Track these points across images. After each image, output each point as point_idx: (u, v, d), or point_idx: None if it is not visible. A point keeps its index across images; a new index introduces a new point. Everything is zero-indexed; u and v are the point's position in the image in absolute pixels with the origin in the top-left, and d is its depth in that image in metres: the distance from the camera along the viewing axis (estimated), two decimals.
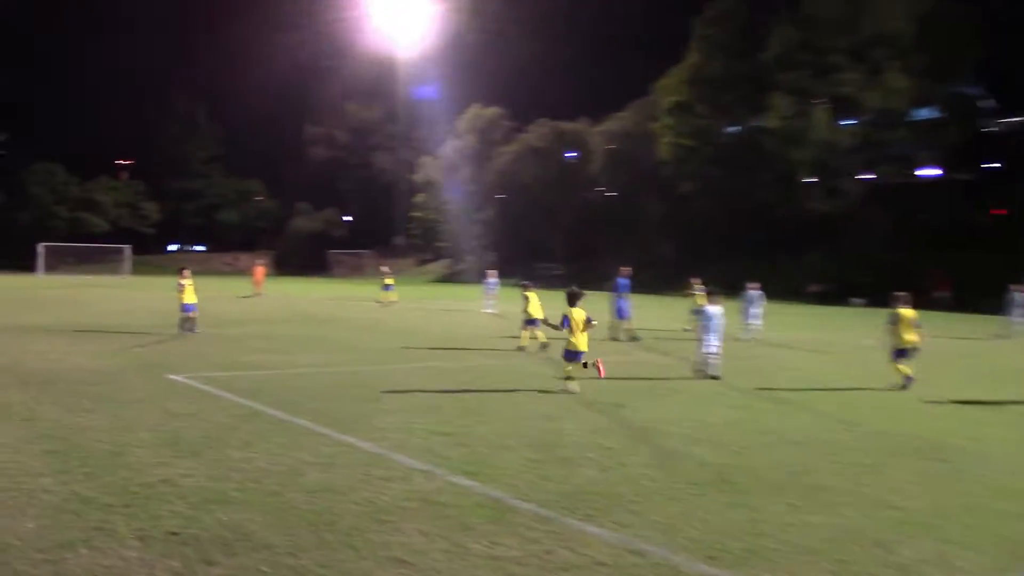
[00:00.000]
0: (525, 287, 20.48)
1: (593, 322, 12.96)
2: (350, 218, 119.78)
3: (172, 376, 13.26)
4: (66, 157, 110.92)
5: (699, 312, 14.99)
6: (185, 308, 20.89)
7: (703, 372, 14.83)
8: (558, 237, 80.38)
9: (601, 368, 13.09)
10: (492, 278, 35.33)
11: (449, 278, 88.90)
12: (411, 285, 71.12)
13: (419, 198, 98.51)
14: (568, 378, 12.83)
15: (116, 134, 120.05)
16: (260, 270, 45.77)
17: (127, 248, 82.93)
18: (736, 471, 8.25)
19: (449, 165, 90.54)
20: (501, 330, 24.56)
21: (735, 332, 22.81)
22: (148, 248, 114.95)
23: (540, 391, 12.83)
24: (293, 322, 25.98)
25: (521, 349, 18.98)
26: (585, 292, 13.66)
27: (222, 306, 33.92)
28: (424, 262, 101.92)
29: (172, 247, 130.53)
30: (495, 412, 10.97)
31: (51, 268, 78.63)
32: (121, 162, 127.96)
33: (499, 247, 80.00)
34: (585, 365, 12.88)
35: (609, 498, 7.21)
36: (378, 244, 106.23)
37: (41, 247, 77.98)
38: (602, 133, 76.03)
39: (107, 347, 17.24)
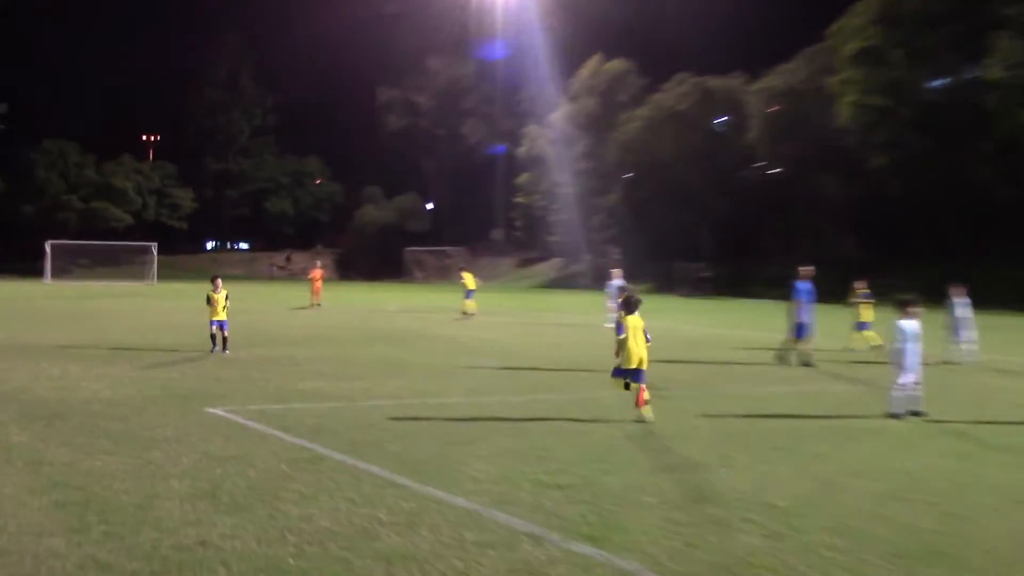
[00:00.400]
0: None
1: (648, 338, 13.70)
2: (433, 206, 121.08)
3: (212, 409, 13.57)
4: (80, 133, 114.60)
5: (894, 329, 14.59)
6: (212, 324, 21.98)
7: (900, 407, 14.45)
8: (703, 229, 79.79)
9: (642, 399, 13.39)
10: (616, 281, 35.19)
11: (560, 283, 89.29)
12: (511, 292, 71.63)
13: (522, 179, 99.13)
14: (644, 402, 13.37)
15: (141, 103, 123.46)
16: (318, 274, 46.61)
17: (153, 247, 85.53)
18: (950, 541, 7.98)
19: (561, 136, 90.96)
20: None
21: (943, 353, 22.18)
22: (179, 246, 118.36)
23: (683, 430, 12.73)
24: (362, 341, 26.31)
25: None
26: (641, 300, 14.41)
27: (273, 320, 34.68)
28: (528, 262, 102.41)
29: (209, 245, 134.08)
30: (624, 457, 10.91)
31: (61, 272, 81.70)
32: (147, 138, 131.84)
33: (626, 242, 79.80)
34: (627, 386, 13.64)
35: (778, 574, 7.05)
36: (470, 240, 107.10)
37: (48, 246, 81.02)
38: (762, 92, 75.10)
39: (131, 372, 17.77)
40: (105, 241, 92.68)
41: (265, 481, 9.33)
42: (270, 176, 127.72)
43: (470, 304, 39.53)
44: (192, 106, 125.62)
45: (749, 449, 11.59)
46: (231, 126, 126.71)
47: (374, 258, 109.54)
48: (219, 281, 22.60)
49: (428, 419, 13.19)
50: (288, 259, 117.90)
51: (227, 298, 22.30)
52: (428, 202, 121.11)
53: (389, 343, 25.56)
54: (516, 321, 37.22)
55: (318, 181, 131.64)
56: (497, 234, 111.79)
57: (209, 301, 22.26)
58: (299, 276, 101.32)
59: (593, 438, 12.03)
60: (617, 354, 13.81)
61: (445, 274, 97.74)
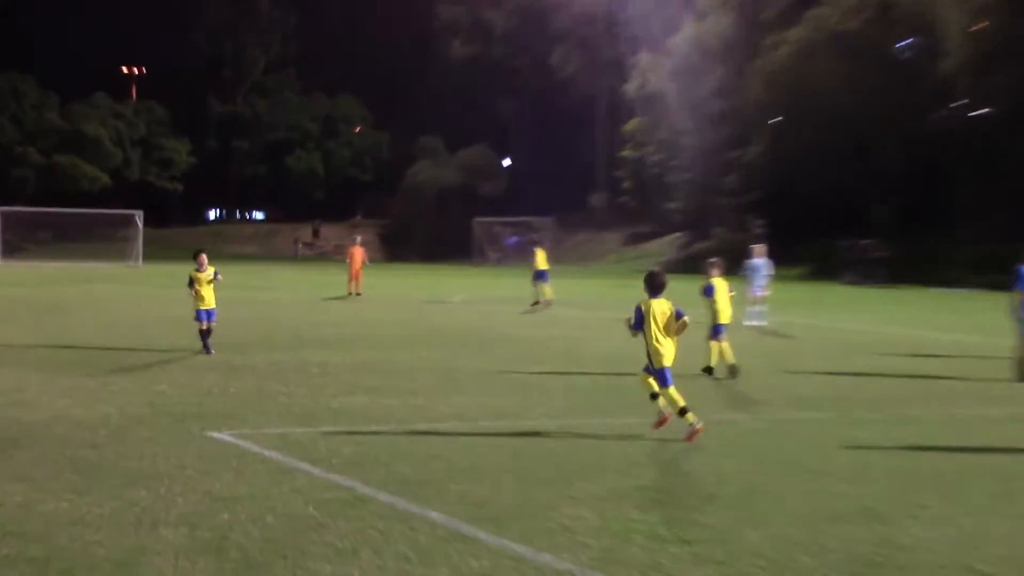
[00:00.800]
0: None
1: (685, 317, 14.15)
2: (511, 163, 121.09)
3: (216, 434, 13.66)
4: (39, 64, 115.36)
5: None
6: (200, 315, 22.75)
7: None
8: (877, 193, 78.87)
9: (694, 431, 13.70)
10: (758, 261, 34.78)
11: (682, 265, 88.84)
12: (616, 278, 71.44)
13: (632, 127, 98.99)
14: (682, 410, 13.79)
15: (122, 26, 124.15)
16: (358, 254, 46.77)
17: (138, 216, 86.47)
18: None
19: (685, 68, 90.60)
20: (778, 356, 24.21)
21: None
22: (172, 216, 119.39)
23: (853, 467, 12.59)
24: (416, 343, 26.42)
25: None
26: (668, 277, 14.83)
27: (297, 314, 34.93)
28: (638, 238, 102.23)
29: (212, 214, 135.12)
30: (770, 502, 10.81)
31: (13, 250, 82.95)
32: (129, 71, 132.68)
33: (771, 211, 79.27)
34: (654, 397, 14.16)
35: None
36: (560, 207, 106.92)
37: None
38: (964, 4, 73.95)
39: (109, 384, 17.98)
40: (73, 208, 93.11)
41: (288, 531, 9.34)
42: (293, 122, 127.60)
43: (546, 290, 39.85)
44: (191, 32, 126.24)
45: (947, 494, 11.42)
46: (241, 55, 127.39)
47: (432, 232, 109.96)
48: (204, 257, 23.16)
49: (504, 448, 13.20)
50: (316, 233, 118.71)
51: (216, 277, 22.81)
52: (504, 157, 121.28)
53: (452, 346, 25.58)
54: (621, 317, 37.06)
55: (357, 129, 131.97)
56: (597, 200, 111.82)
57: (192, 284, 22.76)
58: (332, 256, 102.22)
59: (728, 476, 11.96)
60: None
61: (527, 253, 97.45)
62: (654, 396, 14.12)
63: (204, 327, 22.56)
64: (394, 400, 16.83)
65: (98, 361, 20.82)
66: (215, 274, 22.96)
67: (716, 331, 20.81)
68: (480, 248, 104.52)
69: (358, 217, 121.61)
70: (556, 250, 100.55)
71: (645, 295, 14.37)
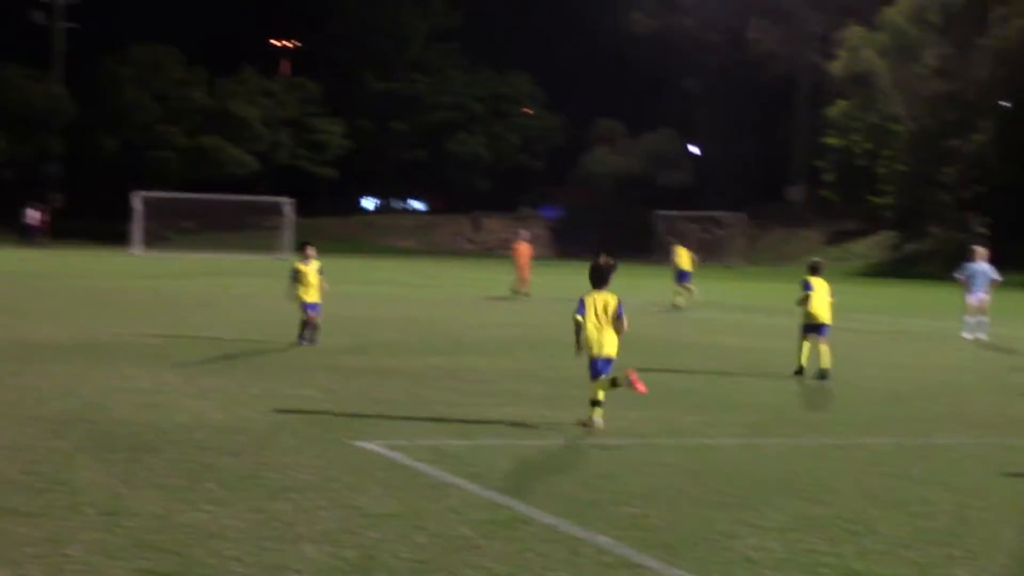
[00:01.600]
0: None
1: (624, 318, 15.74)
2: (699, 151, 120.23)
3: (364, 443, 13.85)
4: (184, 36, 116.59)
5: None
6: (305, 307, 24.93)
7: None
8: None
9: (637, 382, 15.42)
10: (980, 266, 34.19)
11: (893, 268, 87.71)
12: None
13: (837, 111, 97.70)
14: (594, 402, 15.54)
15: None
16: (525, 250, 46.85)
17: (288, 204, 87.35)
18: None
19: (899, 44, 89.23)
20: (1000, 374, 23.85)
21: None
22: (324, 204, 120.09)
23: None
24: None
25: None
26: (616, 263, 16.30)
27: (456, 315, 35.18)
28: (842, 237, 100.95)
29: (367, 202, 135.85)
30: (987, 539, 10.59)
31: (155, 239, 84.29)
32: (280, 44, 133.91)
33: (995, 207, 77.80)
34: (615, 383, 15.45)
35: None
36: (752, 201, 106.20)
37: (139, 200, 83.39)
38: None
39: (249, 386, 18.34)
40: (219, 195, 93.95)
41: (439, 551, 9.43)
42: (457, 101, 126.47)
43: (688, 291, 41.67)
44: (343, 2, 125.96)
45: None
46: (401, 26, 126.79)
47: (608, 226, 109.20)
48: (310, 250, 25.67)
49: (681, 469, 13.16)
50: (476, 226, 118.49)
51: (321, 272, 24.93)
52: (691, 144, 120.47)
53: (625, 353, 25.60)
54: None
55: (526, 110, 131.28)
56: (795, 193, 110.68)
57: (297, 277, 24.75)
58: (496, 250, 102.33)
59: (936, 506, 11.77)
60: (577, 345, 15.81)
61: (715, 251, 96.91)
62: (615, 383, 15.56)
63: (307, 319, 24.65)
64: (559, 412, 16.87)
65: (240, 362, 21.23)
66: (320, 269, 25.18)
67: (807, 329, 22.09)
68: (661, 245, 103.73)
69: (526, 208, 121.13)
70: (748, 249, 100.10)
71: (589, 286, 15.78)
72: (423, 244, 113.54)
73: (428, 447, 13.82)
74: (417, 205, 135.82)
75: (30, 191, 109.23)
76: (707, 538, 10.19)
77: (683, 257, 42.24)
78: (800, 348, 21.85)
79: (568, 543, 9.84)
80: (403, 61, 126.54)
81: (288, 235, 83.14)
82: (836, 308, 22.45)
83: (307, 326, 24.70)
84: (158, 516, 10.23)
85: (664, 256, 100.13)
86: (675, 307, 41.27)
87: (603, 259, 16.08)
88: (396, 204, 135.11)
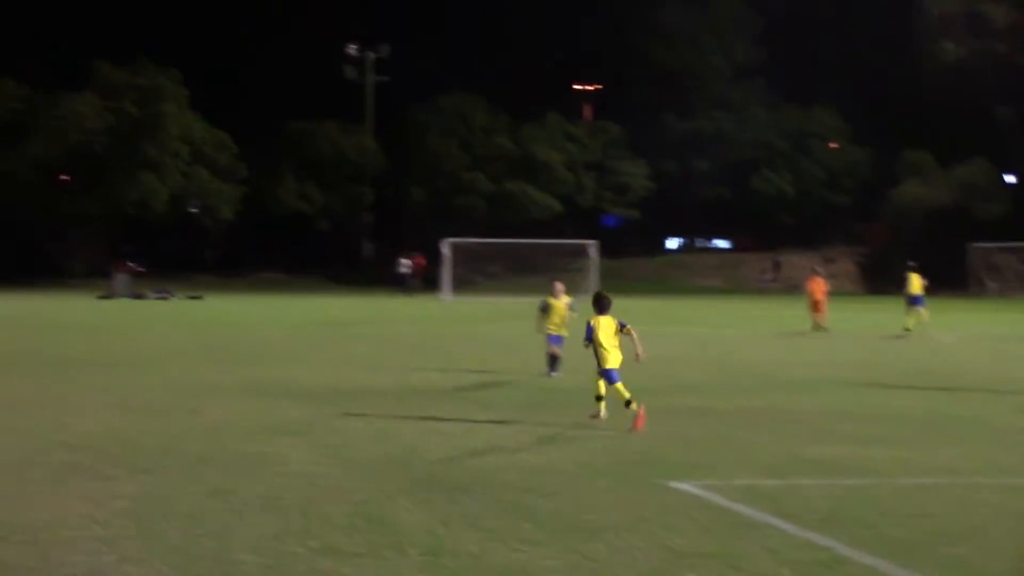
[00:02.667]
0: None
1: (628, 326, 19.27)
2: (1015, 180, 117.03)
3: (678, 484, 13.81)
4: (486, 84, 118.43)
5: None
6: (550, 339, 26.91)
7: None
8: None
9: (640, 420, 18.06)
10: None
11: None
12: None
13: None
14: (598, 397, 19.24)
15: (571, 41, 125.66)
16: (818, 285, 47.33)
17: (592, 246, 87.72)
18: None
19: None
20: None
21: None
22: (627, 245, 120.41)
23: None
24: (897, 384, 26.01)
25: None
26: (610, 298, 19.92)
27: (763, 352, 34.89)
28: None
29: (672, 243, 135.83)
30: None
31: (463, 283, 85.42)
32: (582, 88, 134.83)
33: None
34: (628, 405, 18.34)
35: None
36: None
37: (446, 245, 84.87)
38: None
39: (559, 427, 18.52)
40: (524, 239, 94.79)
41: None
42: (760, 138, 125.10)
43: (920, 315, 43.11)
44: (635, 40, 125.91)
45: None
46: (702, 65, 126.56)
47: (919, 259, 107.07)
48: (560, 285, 27.44)
49: (1006, 509, 12.81)
50: (776, 268, 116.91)
51: (571, 308, 26.97)
52: (1007, 173, 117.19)
53: (937, 390, 25.06)
54: None
55: (832, 145, 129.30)
56: None
57: (545, 310, 27.07)
58: (800, 287, 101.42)
59: None
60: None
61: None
62: (599, 398, 19.26)
63: (553, 351, 26.71)
64: (874, 450, 16.59)
65: (548, 403, 21.41)
66: (570, 304, 27.07)
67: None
68: (976, 277, 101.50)
69: (833, 245, 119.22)
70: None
71: (594, 313, 19.44)
72: (728, 282, 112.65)
73: (742, 487, 13.74)
74: (721, 243, 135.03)
75: (343, 241, 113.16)
76: None
77: (915, 282, 43.78)
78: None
79: None
80: (706, 100, 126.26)
81: (593, 277, 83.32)
82: None
83: (554, 360, 26.67)
84: (476, 556, 10.44)
85: (978, 287, 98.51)
86: (906, 330, 42.39)
87: (604, 292, 20.75)
88: (700, 243, 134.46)
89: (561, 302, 26.93)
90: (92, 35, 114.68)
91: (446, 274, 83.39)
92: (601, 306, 19.44)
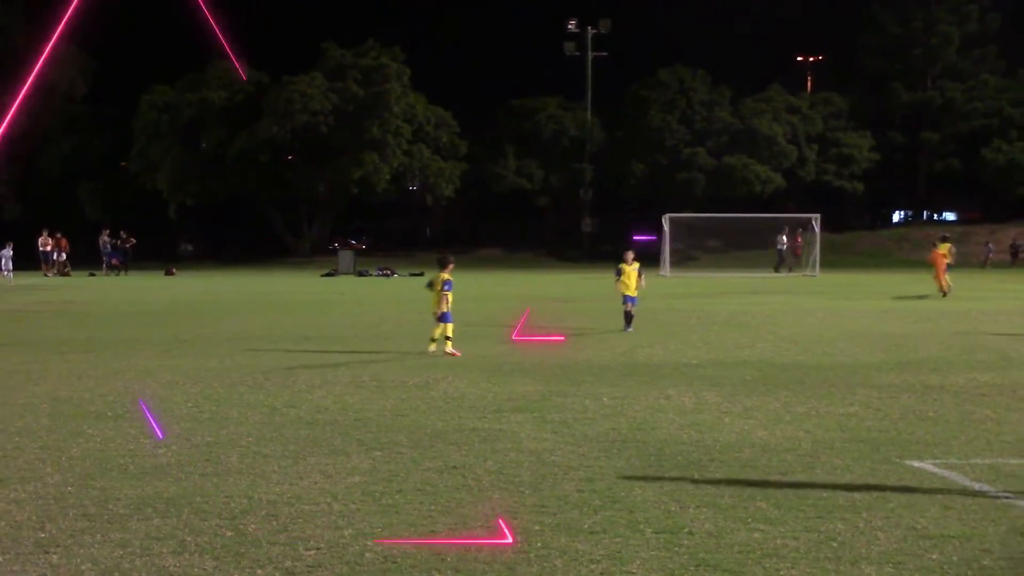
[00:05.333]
0: None
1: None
2: None
3: (917, 463, 13.70)
4: (705, 56, 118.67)
5: None
6: (626, 299, 31.84)
7: None
8: None
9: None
10: None
11: None
12: None
13: None
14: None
15: (794, 11, 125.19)
16: (937, 256, 49.01)
17: (815, 219, 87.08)
18: None
19: None
20: None
21: None
22: (849, 219, 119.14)
23: None
24: None
25: None
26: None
27: (999, 326, 34.05)
28: None
29: (896, 215, 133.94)
30: None
31: (682, 259, 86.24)
32: (804, 59, 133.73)
33: None
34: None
35: None
36: None
37: (667, 221, 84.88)
38: None
39: (791, 404, 18.45)
40: (744, 213, 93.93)
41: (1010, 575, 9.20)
42: (991, 108, 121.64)
43: None
44: (860, 6, 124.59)
45: None
46: (932, 32, 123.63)
47: None
48: (630, 254, 32.56)
49: None
50: (1015, 253, 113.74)
51: (640, 273, 31.98)
52: None
53: None
54: None
55: None
56: None
57: (619, 275, 32.16)
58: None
59: None
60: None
61: None
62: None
63: (629, 309, 31.70)
64: None
65: (778, 379, 21.21)
66: (640, 270, 31.86)
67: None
68: None
69: None
70: None
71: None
72: (956, 256, 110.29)
73: (985, 466, 13.52)
74: (949, 215, 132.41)
75: (563, 217, 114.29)
76: None
77: None
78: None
79: None
80: (935, 70, 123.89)
81: (816, 251, 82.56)
82: None
83: (627, 316, 31.71)
84: (712, 535, 10.47)
85: None
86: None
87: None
88: (927, 215, 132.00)
89: (632, 267, 31.73)
90: (321, 18, 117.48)
91: (666, 250, 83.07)
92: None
